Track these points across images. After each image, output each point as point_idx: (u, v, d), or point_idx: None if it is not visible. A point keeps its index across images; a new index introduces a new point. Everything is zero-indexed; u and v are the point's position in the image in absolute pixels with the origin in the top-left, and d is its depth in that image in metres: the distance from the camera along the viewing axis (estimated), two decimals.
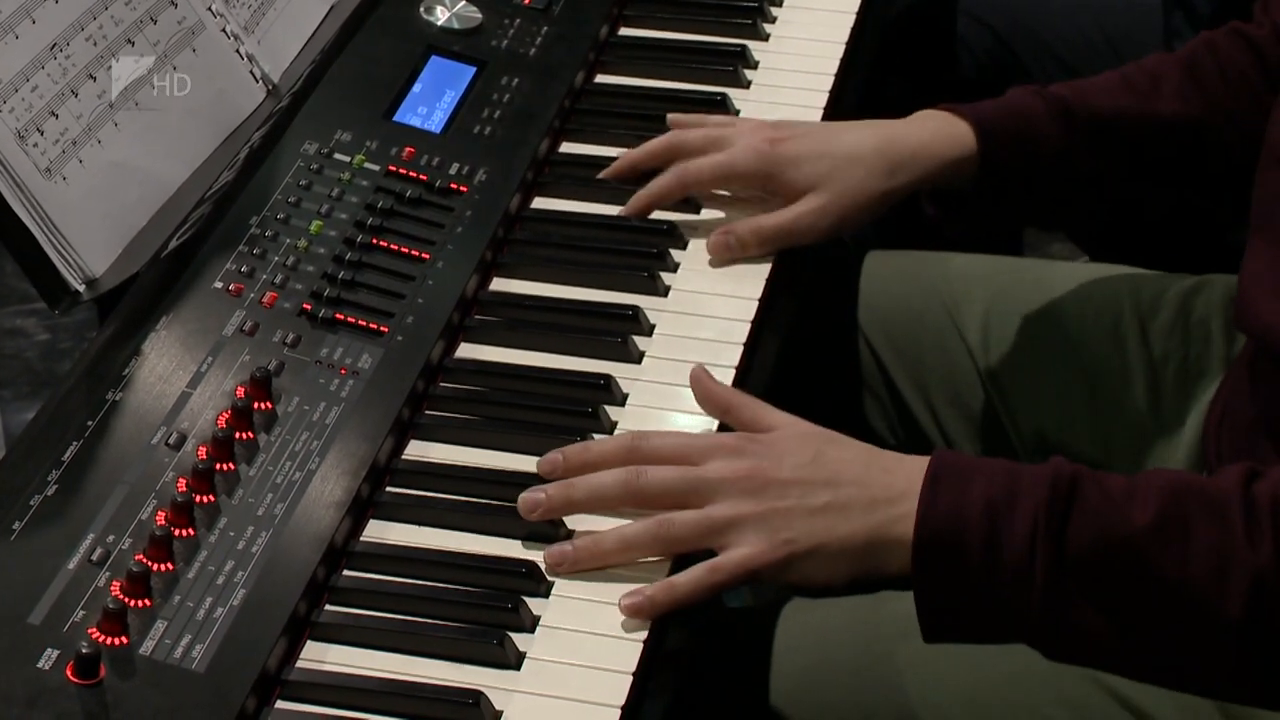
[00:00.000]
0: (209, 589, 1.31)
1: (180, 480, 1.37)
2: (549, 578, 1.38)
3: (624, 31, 1.99)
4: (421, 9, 1.86)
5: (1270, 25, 1.76)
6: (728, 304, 1.64)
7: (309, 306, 1.53)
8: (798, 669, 1.53)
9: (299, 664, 1.31)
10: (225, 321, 1.49)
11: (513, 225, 1.71)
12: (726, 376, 1.55)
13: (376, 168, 1.67)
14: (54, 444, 1.37)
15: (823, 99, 1.88)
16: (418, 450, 1.49)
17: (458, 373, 1.56)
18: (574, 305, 1.63)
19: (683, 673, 1.36)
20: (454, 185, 1.68)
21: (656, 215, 1.72)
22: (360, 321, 1.53)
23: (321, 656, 1.32)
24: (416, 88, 1.77)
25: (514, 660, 1.32)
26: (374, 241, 1.60)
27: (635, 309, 1.62)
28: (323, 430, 1.44)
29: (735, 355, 1.59)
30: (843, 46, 1.96)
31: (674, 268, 1.68)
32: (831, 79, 1.91)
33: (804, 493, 1.38)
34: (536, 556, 1.39)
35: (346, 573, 1.38)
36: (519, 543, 1.41)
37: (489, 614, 1.35)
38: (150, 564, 1.30)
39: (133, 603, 1.28)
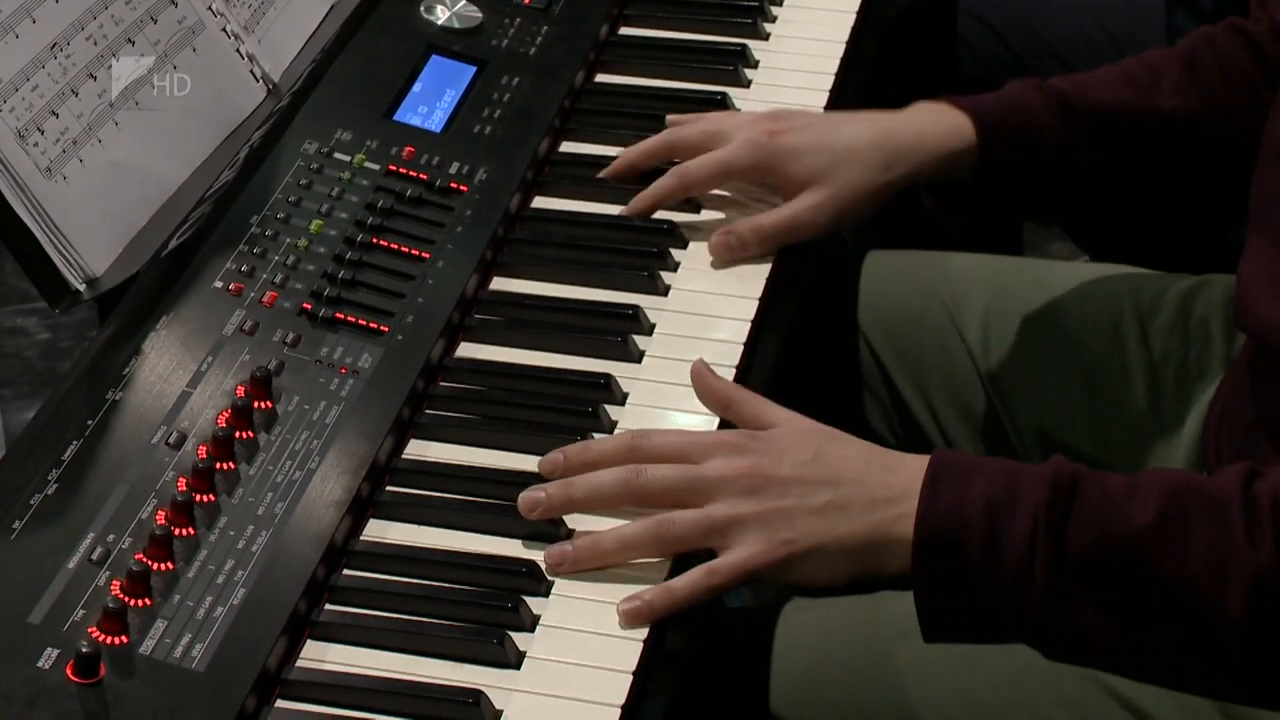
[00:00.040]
0: (209, 588, 1.31)
1: (180, 479, 1.37)
2: (549, 577, 1.38)
3: (624, 31, 1.99)
4: (422, 8, 1.86)
5: (1268, 21, 1.76)
6: (728, 303, 1.64)
7: (309, 306, 1.53)
8: (798, 669, 1.53)
9: (299, 663, 1.31)
10: (225, 321, 1.49)
11: (513, 224, 1.71)
12: (726, 376, 1.55)
13: (377, 167, 1.67)
14: (54, 443, 1.37)
15: (823, 98, 1.88)
16: (418, 449, 1.49)
17: (458, 372, 1.56)
18: (574, 305, 1.63)
19: (683, 672, 1.36)
20: (454, 184, 1.68)
21: (656, 215, 1.72)
22: (360, 321, 1.53)
23: (321, 656, 1.32)
24: (417, 87, 1.77)
25: (514, 659, 1.32)
26: (374, 241, 1.60)
27: (635, 308, 1.62)
28: (323, 429, 1.44)
29: (735, 355, 1.59)
30: (843, 46, 1.96)
31: (674, 267, 1.68)
32: (832, 78, 1.91)
33: (804, 491, 1.38)
34: (536, 556, 1.39)
35: (346, 572, 1.38)
36: (519, 542, 1.41)
37: (489, 613, 1.35)
38: (150, 563, 1.30)
39: (133, 602, 1.28)
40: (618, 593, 1.36)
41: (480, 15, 1.87)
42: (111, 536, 1.32)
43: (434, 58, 1.81)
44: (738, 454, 1.40)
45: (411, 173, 1.67)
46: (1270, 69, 1.74)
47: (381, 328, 1.53)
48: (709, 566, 1.37)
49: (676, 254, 1.69)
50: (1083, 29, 2.26)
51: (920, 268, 1.89)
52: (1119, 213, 2.27)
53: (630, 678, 1.32)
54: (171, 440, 1.39)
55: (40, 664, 1.24)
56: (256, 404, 1.44)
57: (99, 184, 1.54)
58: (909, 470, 1.37)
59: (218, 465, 1.38)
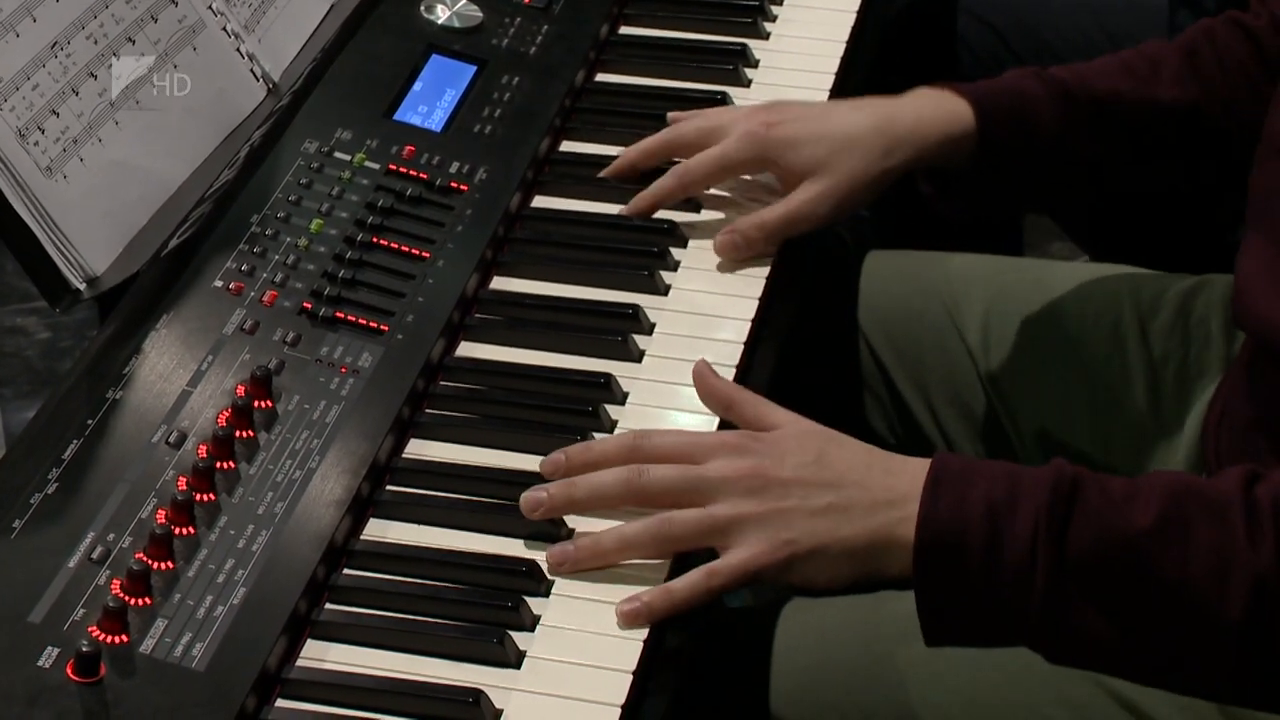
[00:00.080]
0: (209, 587, 1.31)
1: (180, 479, 1.37)
2: (549, 576, 1.38)
3: (624, 30, 1.99)
4: (422, 8, 1.86)
5: (1268, 16, 1.76)
6: (728, 303, 1.64)
7: (309, 305, 1.53)
8: (798, 669, 1.53)
9: (299, 662, 1.31)
10: (226, 320, 1.49)
11: (513, 224, 1.71)
12: (727, 376, 1.55)
13: (377, 166, 1.67)
14: (54, 442, 1.37)
15: (823, 97, 1.88)
16: (418, 449, 1.49)
17: (458, 371, 1.56)
18: (574, 304, 1.63)
19: (683, 672, 1.36)
20: (454, 184, 1.68)
21: (657, 214, 1.72)
22: (361, 320, 1.53)
23: (322, 655, 1.32)
24: (417, 86, 1.77)
25: (514, 659, 1.32)
26: (374, 240, 1.60)
27: (635, 308, 1.62)
28: (323, 429, 1.44)
29: (735, 354, 1.59)
30: (843, 45, 1.96)
31: (674, 266, 1.68)
32: (832, 78, 1.91)
33: (806, 493, 1.38)
34: (537, 555, 1.39)
35: (347, 571, 1.38)
36: (520, 541, 1.41)
37: (489, 613, 1.35)
38: (150, 562, 1.30)
39: (133, 601, 1.28)
40: (618, 593, 1.37)
41: (480, 14, 1.87)
42: (112, 536, 1.32)
43: (434, 57, 1.81)
44: (739, 455, 1.40)
45: (412, 172, 1.67)
46: (1270, 63, 1.74)
47: (382, 327, 1.53)
48: (709, 568, 1.37)
49: (677, 253, 1.69)
50: (1083, 29, 2.26)
51: (920, 268, 1.89)
52: (1119, 211, 2.27)
53: (630, 677, 1.32)
54: (172, 439, 1.39)
55: (41, 663, 1.24)
56: (257, 403, 1.44)
57: (99, 183, 1.54)
58: (910, 473, 1.37)
59: (218, 464, 1.38)
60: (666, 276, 1.67)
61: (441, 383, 1.55)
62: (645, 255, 1.68)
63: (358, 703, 1.29)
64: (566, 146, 1.82)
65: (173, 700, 1.24)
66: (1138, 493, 1.33)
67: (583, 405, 1.52)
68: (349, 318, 1.53)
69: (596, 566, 1.38)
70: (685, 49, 1.96)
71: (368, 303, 1.55)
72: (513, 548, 1.41)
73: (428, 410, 1.52)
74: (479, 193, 1.68)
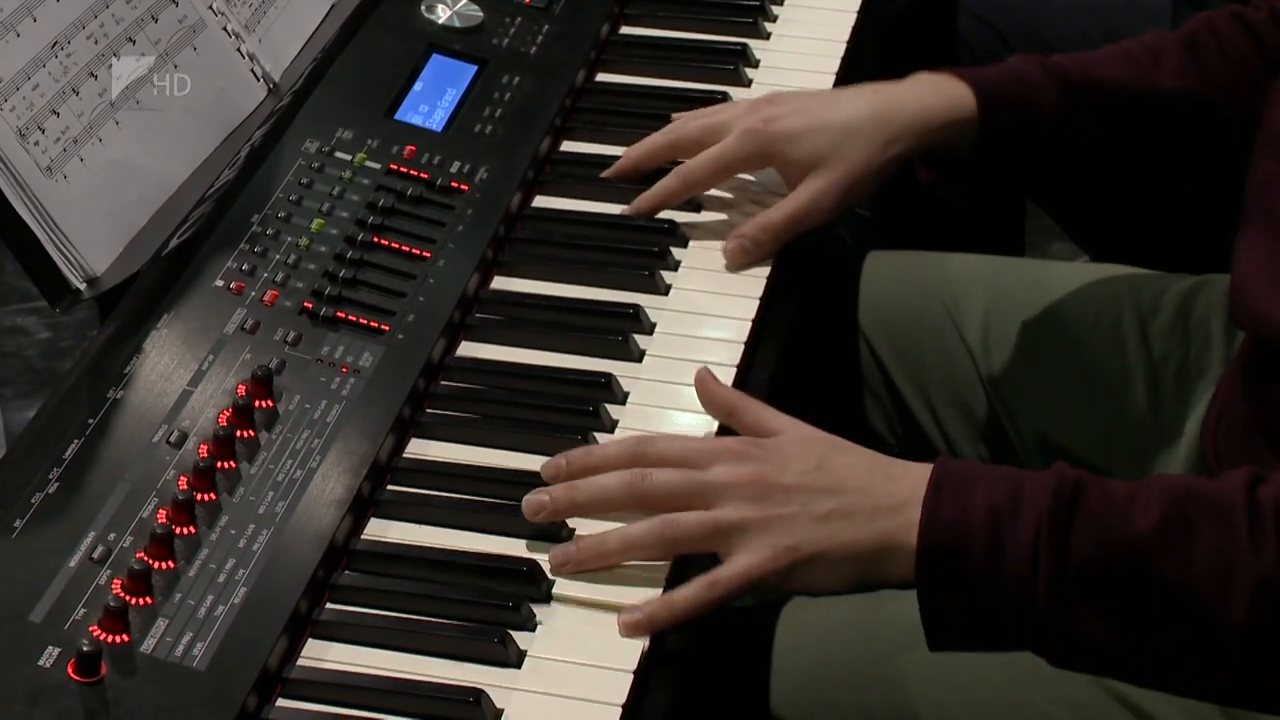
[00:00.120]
0: (210, 587, 1.31)
1: (181, 478, 1.37)
2: (550, 576, 1.38)
3: (625, 30, 1.99)
4: (423, 7, 1.86)
5: (1268, 9, 1.76)
6: (728, 303, 1.64)
7: (310, 305, 1.53)
8: (798, 669, 1.53)
9: (300, 662, 1.32)
10: (226, 320, 1.49)
11: (514, 224, 1.71)
12: (727, 375, 1.55)
13: (378, 166, 1.67)
14: (55, 442, 1.37)
15: None
16: (418, 449, 1.49)
17: (459, 371, 1.56)
18: (575, 304, 1.63)
19: (683, 672, 1.36)
20: (455, 184, 1.68)
21: (657, 214, 1.73)
22: (361, 320, 1.53)
23: (322, 654, 1.32)
24: (418, 86, 1.77)
25: (515, 659, 1.32)
26: (375, 240, 1.60)
27: (636, 307, 1.62)
28: (324, 428, 1.44)
29: (736, 354, 1.59)
30: (844, 45, 1.96)
31: (675, 266, 1.68)
32: (832, 78, 1.91)
33: (808, 499, 1.38)
34: (537, 555, 1.39)
35: (347, 571, 1.38)
36: (521, 541, 1.41)
37: (490, 612, 1.35)
38: (151, 562, 1.30)
39: (134, 600, 1.28)
40: (619, 593, 1.37)
41: (481, 14, 1.87)
42: (113, 535, 1.32)
43: (435, 57, 1.81)
44: (741, 461, 1.40)
45: (412, 172, 1.67)
46: (1269, 57, 1.74)
47: (382, 327, 1.53)
48: (710, 578, 1.37)
49: (677, 253, 1.69)
50: (1084, 29, 2.26)
51: (920, 268, 1.89)
52: (1119, 211, 2.27)
53: (631, 677, 1.32)
54: (173, 439, 1.39)
55: (41, 662, 1.24)
56: (257, 403, 1.44)
57: (100, 183, 1.54)
58: (912, 478, 1.37)
59: (219, 464, 1.38)
60: (667, 276, 1.67)
61: (442, 382, 1.55)
62: (646, 255, 1.68)
63: (358, 702, 1.29)
64: (567, 146, 1.82)
65: (174, 700, 1.24)
66: (1139, 496, 1.33)
67: (583, 405, 1.52)
68: (350, 317, 1.53)
69: (599, 567, 1.38)
70: (686, 49, 1.96)
71: (369, 302, 1.55)
72: (514, 548, 1.41)
73: (428, 410, 1.52)
74: (480, 192, 1.68)
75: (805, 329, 1.75)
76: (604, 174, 1.75)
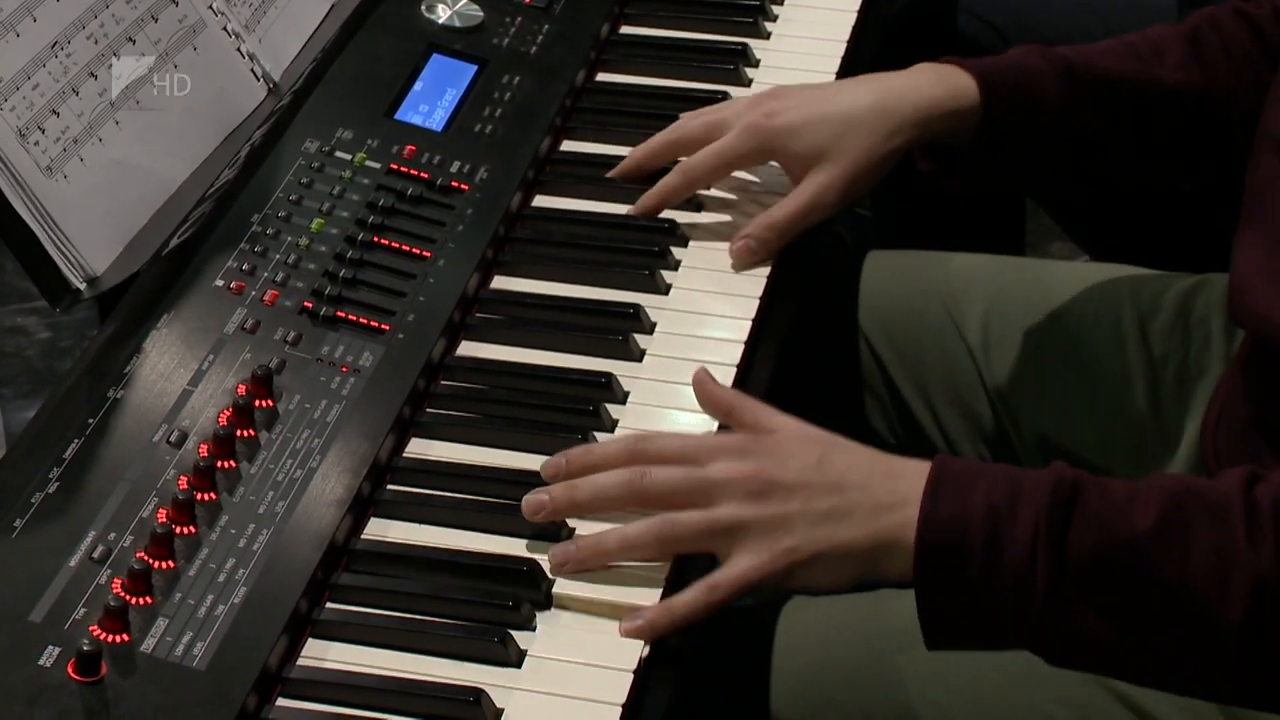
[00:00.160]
0: (210, 586, 1.31)
1: (181, 478, 1.37)
2: (551, 576, 1.38)
3: (625, 30, 1.99)
4: (423, 7, 1.86)
5: (1270, 6, 1.76)
6: (729, 302, 1.64)
7: (310, 304, 1.53)
8: (798, 668, 1.53)
9: (300, 661, 1.32)
10: (226, 319, 1.50)
11: (514, 223, 1.71)
12: (727, 375, 1.55)
13: (378, 166, 1.67)
14: (55, 442, 1.37)
15: None
16: (419, 448, 1.49)
17: (459, 371, 1.56)
18: (575, 303, 1.63)
19: (683, 671, 1.36)
20: (455, 183, 1.68)
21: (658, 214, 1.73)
22: (361, 319, 1.53)
23: (322, 654, 1.32)
24: (418, 86, 1.77)
25: (515, 658, 1.32)
26: (375, 239, 1.60)
27: (636, 307, 1.62)
28: (324, 428, 1.44)
29: (736, 354, 1.59)
30: (844, 45, 1.96)
31: (675, 266, 1.68)
32: (833, 77, 1.91)
33: (808, 496, 1.37)
34: (538, 555, 1.39)
35: (347, 571, 1.38)
36: (521, 541, 1.41)
37: (490, 612, 1.35)
38: (151, 561, 1.30)
39: (134, 600, 1.28)
40: (619, 593, 1.37)
41: (481, 14, 1.87)
42: (113, 535, 1.32)
43: (435, 56, 1.81)
44: (741, 457, 1.40)
45: (413, 171, 1.67)
46: (1271, 53, 1.74)
47: (383, 326, 1.53)
48: (709, 582, 1.36)
49: (678, 253, 1.69)
50: (1084, 29, 2.26)
51: (920, 268, 1.89)
52: (1119, 211, 2.27)
53: (631, 676, 1.32)
54: (173, 439, 1.39)
55: (41, 662, 1.24)
56: (258, 402, 1.44)
57: (100, 183, 1.54)
58: (911, 476, 1.37)
59: (219, 464, 1.38)
60: (667, 276, 1.67)
61: (442, 382, 1.55)
62: (646, 255, 1.68)
63: (359, 702, 1.29)
64: (567, 146, 1.82)
65: (174, 699, 1.24)
66: (1138, 495, 1.33)
67: (584, 404, 1.52)
68: (350, 317, 1.53)
69: (599, 566, 1.38)
70: (686, 48, 1.96)
71: (369, 302, 1.55)
72: (514, 547, 1.41)
73: (429, 409, 1.52)
74: (480, 192, 1.68)
75: (805, 329, 1.75)
76: (609, 174, 1.75)
